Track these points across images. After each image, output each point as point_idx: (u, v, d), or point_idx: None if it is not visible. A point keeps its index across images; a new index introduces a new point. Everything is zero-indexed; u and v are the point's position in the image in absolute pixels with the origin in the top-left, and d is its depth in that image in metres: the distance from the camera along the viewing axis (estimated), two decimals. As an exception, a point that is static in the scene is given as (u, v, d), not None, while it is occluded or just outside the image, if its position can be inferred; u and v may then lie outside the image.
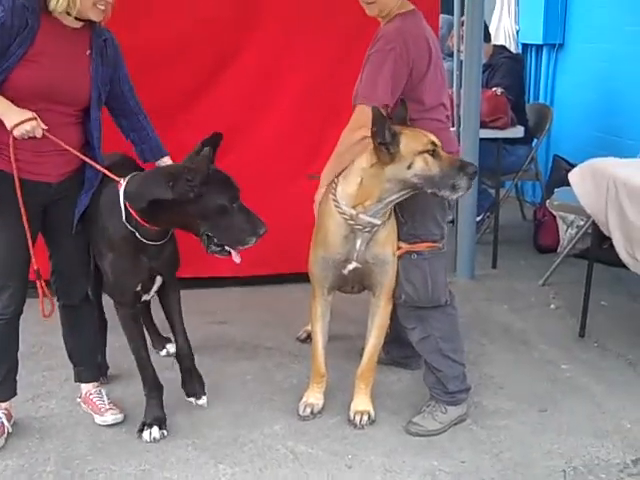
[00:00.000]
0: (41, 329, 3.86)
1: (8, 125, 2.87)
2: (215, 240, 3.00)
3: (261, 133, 4.69)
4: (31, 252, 3.04)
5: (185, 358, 3.42)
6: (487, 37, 5.89)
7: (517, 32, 7.58)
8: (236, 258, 3.05)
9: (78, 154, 3.06)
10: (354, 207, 3.05)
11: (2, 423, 3.23)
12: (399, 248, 3.21)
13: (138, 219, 3.01)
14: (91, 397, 3.45)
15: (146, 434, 3.27)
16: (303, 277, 4.06)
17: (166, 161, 3.28)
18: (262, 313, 4.61)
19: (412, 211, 3.16)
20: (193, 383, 3.45)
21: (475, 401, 3.51)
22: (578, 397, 3.59)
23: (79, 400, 3.51)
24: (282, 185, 4.68)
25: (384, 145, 2.90)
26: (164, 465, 3.10)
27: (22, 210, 2.95)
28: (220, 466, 3.10)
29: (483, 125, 5.15)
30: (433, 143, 2.93)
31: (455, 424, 3.34)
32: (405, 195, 3.03)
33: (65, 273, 3.29)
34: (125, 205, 3.02)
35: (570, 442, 3.23)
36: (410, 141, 2.93)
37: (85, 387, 3.49)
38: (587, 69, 6.49)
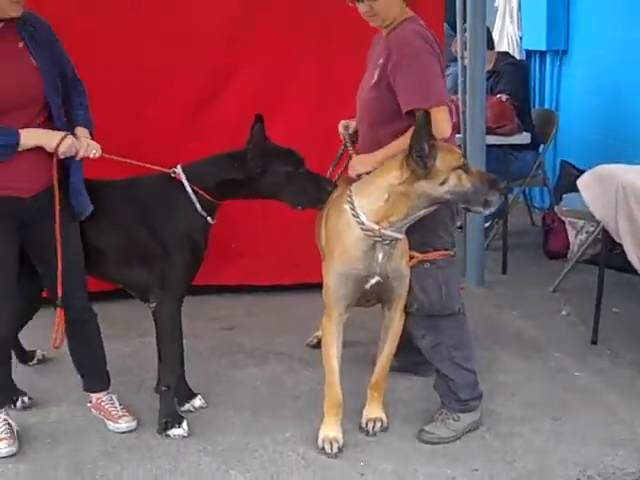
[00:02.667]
0: (50, 334, 3.82)
1: (50, 147, 2.90)
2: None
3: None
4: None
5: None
6: (490, 44, 5.89)
7: (520, 38, 7.58)
8: None
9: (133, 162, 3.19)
10: (378, 222, 2.97)
11: (9, 425, 3.21)
12: (412, 258, 3.17)
13: (210, 199, 3.23)
14: (103, 404, 3.42)
15: (178, 430, 3.28)
16: (311, 286, 4.10)
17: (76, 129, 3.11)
18: (270, 319, 4.59)
19: (422, 220, 3.09)
20: (185, 388, 3.50)
21: (488, 408, 3.48)
22: (592, 405, 3.56)
23: (90, 405, 3.48)
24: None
25: (421, 158, 2.84)
26: (176, 471, 3.08)
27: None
28: (232, 472, 3.08)
29: (489, 131, 5.15)
30: (464, 158, 2.90)
31: (468, 431, 3.32)
32: (432, 210, 2.98)
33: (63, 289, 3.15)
34: (195, 192, 3.20)
35: (584, 451, 3.20)
36: (445, 155, 2.87)
37: (95, 395, 3.46)
38: (591, 75, 6.49)
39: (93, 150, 3.06)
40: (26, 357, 3.90)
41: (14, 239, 3.01)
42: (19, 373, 3.60)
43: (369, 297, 3.22)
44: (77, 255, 3.19)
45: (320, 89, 4.65)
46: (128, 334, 4.30)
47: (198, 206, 3.22)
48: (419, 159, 2.84)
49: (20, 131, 2.88)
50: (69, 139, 2.96)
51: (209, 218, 3.28)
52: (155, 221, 3.24)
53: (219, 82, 4.62)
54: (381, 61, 3.14)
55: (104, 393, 3.45)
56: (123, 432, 3.34)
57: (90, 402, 3.48)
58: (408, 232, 3.12)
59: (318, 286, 4.24)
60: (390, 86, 3.10)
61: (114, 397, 3.46)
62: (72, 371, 3.61)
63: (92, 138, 3.10)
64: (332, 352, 3.20)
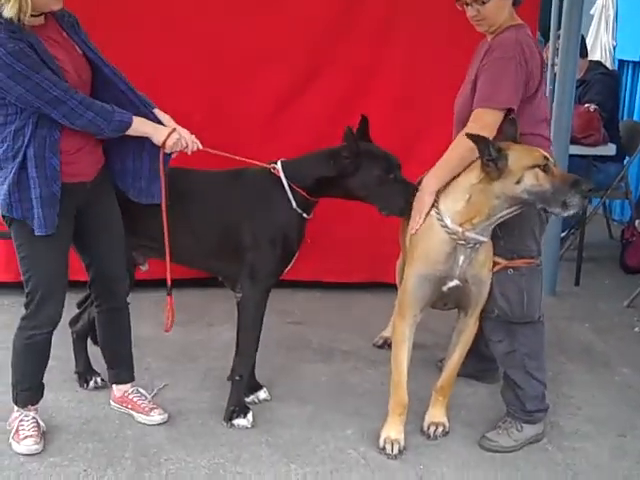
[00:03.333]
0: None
1: (159, 140, 3.01)
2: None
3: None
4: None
5: None
6: (584, 52, 5.80)
7: (614, 48, 7.43)
8: None
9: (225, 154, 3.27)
10: (461, 224, 2.97)
11: (38, 423, 3.20)
12: (496, 264, 3.16)
13: (306, 196, 3.28)
14: (131, 397, 3.45)
15: (243, 421, 3.35)
16: (380, 286, 4.12)
17: (156, 112, 3.14)
18: (339, 317, 4.62)
19: (510, 226, 3.08)
20: (252, 380, 3.55)
21: (552, 421, 3.45)
22: (659, 424, 3.50)
23: (112, 400, 3.50)
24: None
25: (491, 161, 2.85)
26: (237, 460, 3.14)
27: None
28: (292, 465, 3.12)
29: (574, 141, 5.07)
30: (545, 158, 2.87)
31: (530, 443, 3.29)
32: (515, 212, 2.96)
33: (109, 276, 3.25)
34: (292, 188, 3.26)
35: (649, 469, 3.15)
36: (519, 156, 2.87)
37: (122, 387, 3.47)
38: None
39: (196, 144, 3.14)
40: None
41: (72, 226, 3.07)
42: (92, 355, 3.70)
43: (446, 300, 3.21)
44: (122, 242, 3.25)
45: (405, 91, 4.65)
46: (198, 322, 4.39)
47: (294, 203, 3.27)
48: (489, 162, 2.86)
49: (134, 117, 2.97)
50: (176, 134, 3.05)
51: (304, 214, 3.33)
52: (251, 214, 3.30)
53: (302, 81, 4.65)
54: (482, 64, 3.12)
55: (130, 385, 3.48)
56: (158, 424, 3.37)
57: (112, 399, 3.49)
58: (494, 238, 3.12)
59: (388, 286, 4.30)
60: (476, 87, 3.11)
61: (141, 390, 3.49)
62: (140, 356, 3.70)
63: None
64: (402, 352, 3.21)
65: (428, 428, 3.34)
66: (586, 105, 5.58)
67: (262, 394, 3.60)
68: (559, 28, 5.05)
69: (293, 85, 4.65)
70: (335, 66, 4.63)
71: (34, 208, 2.86)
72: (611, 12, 7.47)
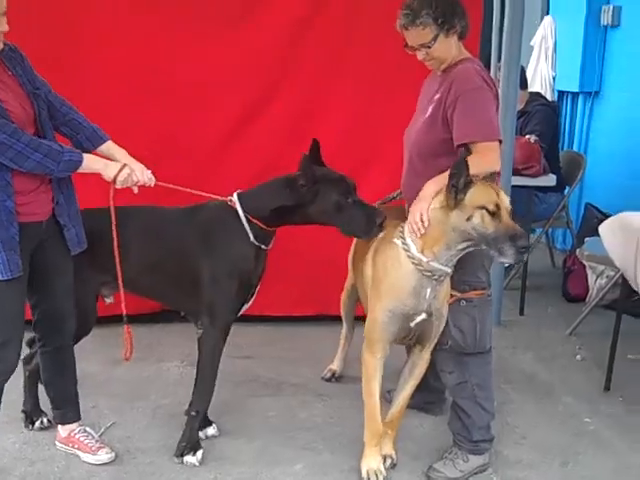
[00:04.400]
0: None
1: (109, 176, 3.00)
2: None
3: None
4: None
5: None
6: (524, 83, 5.91)
7: (554, 78, 7.60)
8: None
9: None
10: (422, 252, 3.02)
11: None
12: (451, 296, 3.21)
13: (264, 227, 3.27)
14: (77, 436, 3.41)
15: (192, 458, 3.34)
16: (327, 319, 4.13)
17: (110, 146, 3.18)
18: (287, 350, 4.63)
19: (462, 259, 3.13)
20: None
21: (497, 450, 3.50)
22: (601, 451, 3.57)
23: (58, 443, 3.46)
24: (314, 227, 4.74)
25: (455, 189, 2.91)
26: (185, 499, 3.14)
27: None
28: (240, 503, 3.13)
29: (515, 172, 5.16)
30: (497, 205, 2.92)
31: (475, 473, 3.34)
32: (472, 246, 3.00)
33: (57, 315, 3.21)
34: (249, 221, 3.26)
35: (591, 497, 3.22)
36: (477, 194, 2.92)
37: (68, 427, 3.43)
38: (623, 117, 6.48)
39: (150, 180, 3.14)
40: None
41: (28, 266, 3.02)
42: (41, 393, 3.64)
43: (411, 336, 3.24)
44: (71, 280, 3.22)
45: (355, 121, 4.71)
46: (147, 359, 4.36)
47: (251, 236, 3.27)
48: (453, 189, 2.91)
49: (84, 155, 2.96)
50: (127, 169, 3.04)
51: (263, 246, 3.32)
52: (208, 251, 3.29)
53: (254, 111, 4.69)
54: (437, 96, 3.18)
55: (76, 425, 3.44)
56: (103, 464, 3.34)
57: (57, 439, 3.46)
58: None
59: (333, 318, 4.33)
60: (445, 120, 3.13)
61: (87, 429, 3.46)
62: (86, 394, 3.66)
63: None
64: (374, 387, 3.25)
65: (377, 461, 3.36)
66: (527, 136, 5.68)
67: (210, 430, 3.59)
68: (499, 59, 5.16)
69: (245, 115, 4.69)
70: (286, 96, 4.69)
71: None
72: (550, 43, 7.63)
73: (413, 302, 3.09)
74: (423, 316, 3.12)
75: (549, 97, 7.16)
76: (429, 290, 3.07)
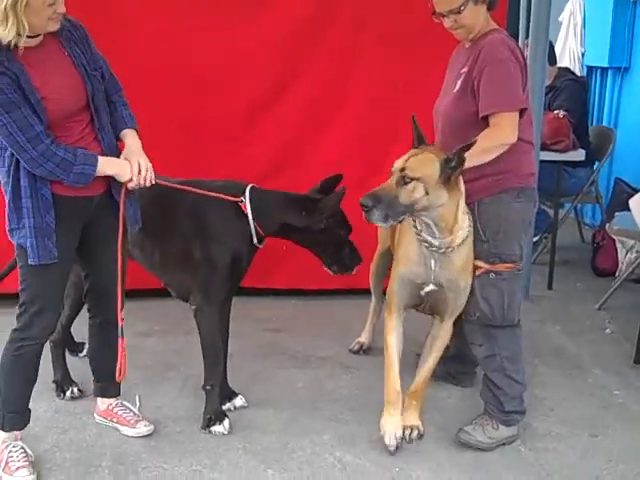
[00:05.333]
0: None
1: (124, 179, 2.98)
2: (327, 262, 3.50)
3: (324, 148, 4.76)
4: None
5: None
6: (552, 59, 5.86)
7: (582, 55, 7.53)
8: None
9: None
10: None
11: (27, 452, 3.11)
12: (478, 268, 3.20)
13: (260, 231, 3.34)
14: (115, 410, 3.44)
15: (219, 427, 3.38)
16: (356, 292, 4.12)
17: (125, 134, 3.11)
18: (316, 324, 4.66)
19: (495, 230, 3.14)
20: (226, 388, 3.59)
21: (525, 422, 3.49)
22: (630, 424, 3.56)
23: (97, 416, 3.49)
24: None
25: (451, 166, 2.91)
26: (215, 467, 3.17)
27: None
28: (269, 471, 3.15)
29: (544, 147, 5.13)
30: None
31: (503, 444, 3.34)
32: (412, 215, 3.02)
33: (103, 289, 3.21)
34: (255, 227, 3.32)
35: (620, 469, 3.20)
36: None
37: (107, 401, 3.47)
38: (653, 93, 6.43)
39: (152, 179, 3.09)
40: (76, 349, 4.01)
41: (77, 238, 3.06)
42: (69, 364, 3.73)
43: (424, 304, 3.27)
44: (117, 256, 3.15)
45: (375, 102, 4.71)
46: (176, 331, 4.41)
47: (255, 239, 3.34)
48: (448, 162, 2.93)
49: (99, 159, 2.93)
50: (139, 177, 3.00)
51: (259, 245, 3.40)
52: (211, 238, 3.32)
53: (270, 96, 4.70)
54: (465, 69, 3.15)
55: (114, 399, 3.47)
56: (144, 436, 3.38)
57: (96, 412, 3.49)
58: (478, 241, 3.17)
59: (363, 292, 4.35)
60: (473, 92, 3.12)
61: (125, 402, 3.48)
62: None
63: (138, 135, 3.13)
64: (391, 341, 3.30)
65: (403, 431, 3.36)
66: (555, 111, 5.64)
67: (238, 401, 3.63)
68: (527, 36, 5.12)
69: (265, 99, 4.70)
70: (303, 80, 4.69)
71: (28, 237, 2.85)
72: (579, 19, 7.56)
73: (420, 271, 3.14)
74: (431, 287, 3.16)
75: (578, 73, 7.11)
76: (433, 261, 3.10)
